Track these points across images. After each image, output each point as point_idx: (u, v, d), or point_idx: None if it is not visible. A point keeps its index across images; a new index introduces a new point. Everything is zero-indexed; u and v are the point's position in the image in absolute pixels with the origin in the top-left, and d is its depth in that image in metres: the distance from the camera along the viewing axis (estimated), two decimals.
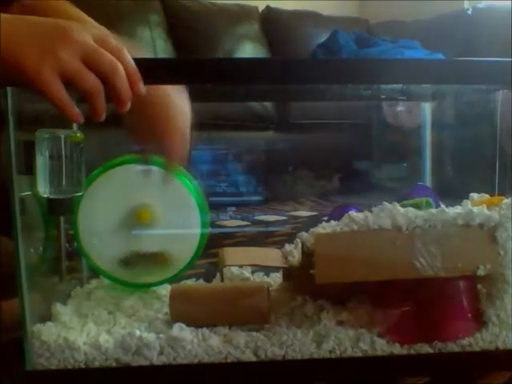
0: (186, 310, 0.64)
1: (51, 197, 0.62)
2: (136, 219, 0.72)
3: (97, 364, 0.59)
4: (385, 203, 0.63)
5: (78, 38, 0.52)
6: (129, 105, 0.54)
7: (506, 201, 0.64)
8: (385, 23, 2.92)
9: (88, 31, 0.54)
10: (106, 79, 0.52)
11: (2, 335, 0.66)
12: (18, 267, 0.57)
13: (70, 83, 0.51)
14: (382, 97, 0.88)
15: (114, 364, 0.59)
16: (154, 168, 0.71)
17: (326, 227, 0.64)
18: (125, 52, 0.54)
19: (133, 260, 0.70)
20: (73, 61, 0.51)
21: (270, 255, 0.75)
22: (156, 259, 0.72)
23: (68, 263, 0.74)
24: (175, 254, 0.73)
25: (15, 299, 0.59)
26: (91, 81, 0.52)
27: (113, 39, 0.55)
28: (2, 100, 0.55)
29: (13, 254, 0.58)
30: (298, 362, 0.59)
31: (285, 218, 1.57)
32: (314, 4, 2.80)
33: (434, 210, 0.62)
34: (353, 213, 0.63)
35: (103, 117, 0.54)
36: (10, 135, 0.56)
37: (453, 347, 0.60)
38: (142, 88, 0.54)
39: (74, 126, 0.77)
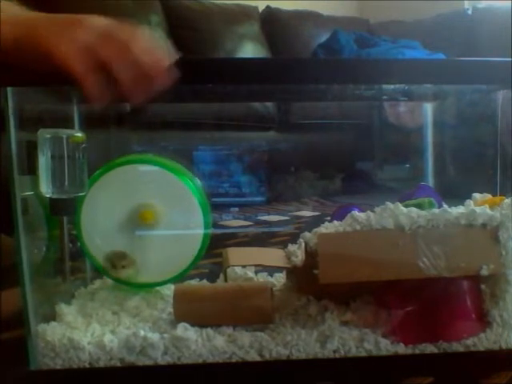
0: (190, 310, 0.64)
1: (54, 196, 0.63)
2: (139, 219, 0.72)
3: (101, 364, 0.59)
4: (387, 203, 0.63)
5: (92, 23, 0.53)
6: (141, 99, 0.54)
7: (507, 201, 0.64)
8: (385, 23, 2.92)
9: (100, 21, 0.54)
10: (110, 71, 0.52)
11: (4, 334, 0.66)
12: (20, 267, 0.57)
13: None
14: (384, 97, 0.88)
15: (119, 364, 0.59)
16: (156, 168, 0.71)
17: (329, 227, 0.64)
18: (136, 42, 0.53)
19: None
20: (91, 38, 0.52)
21: (274, 255, 0.75)
22: None
23: (71, 263, 0.74)
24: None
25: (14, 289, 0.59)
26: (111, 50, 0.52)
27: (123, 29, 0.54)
28: (2, 100, 0.55)
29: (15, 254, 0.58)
30: (303, 362, 0.60)
31: (288, 218, 1.57)
32: (314, 4, 2.80)
33: (436, 210, 0.62)
34: (355, 213, 0.63)
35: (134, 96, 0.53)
36: (10, 135, 0.56)
37: (457, 347, 0.60)
38: (167, 80, 0.53)
39: (76, 126, 0.77)
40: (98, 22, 0.54)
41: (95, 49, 0.52)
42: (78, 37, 0.52)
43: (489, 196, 0.70)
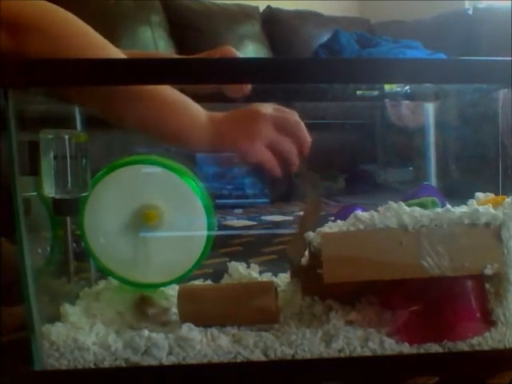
0: (195, 310, 0.64)
1: (57, 197, 0.63)
2: (142, 220, 0.72)
3: (106, 364, 0.59)
4: (390, 202, 0.63)
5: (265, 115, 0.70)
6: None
7: (508, 200, 0.64)
8: (386, 23, 2.92)
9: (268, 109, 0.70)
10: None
11: (9, 335, 0.66)
12: (22, 267, 0.57)
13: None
14: (386, 99, 0.88)
15: (124, 364, 0.59)
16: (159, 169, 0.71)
17: (333, 227, 0.64)
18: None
19: None
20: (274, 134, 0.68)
21: None
22: None
23: (76, 264, 0.74)
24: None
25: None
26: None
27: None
28: (3, 100, 0.55)
29: (18, 255, 0.58)
30: (308, 362, 0.60)
31: (291, 218, 1.56)
32: (315, 4, 2.81)
33: (439, 209, 0.62)
34: (359, 212, 0.63)
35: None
36: (11, 136, 0.56)
37: (462, 346, 0.60)
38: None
39: (78, 126, 0.77)
40: (267, 111, 0.69)
41: (277, 142, 0.68)
42: (262, 134, 0.67)
43: (492, 195, 0.70)
